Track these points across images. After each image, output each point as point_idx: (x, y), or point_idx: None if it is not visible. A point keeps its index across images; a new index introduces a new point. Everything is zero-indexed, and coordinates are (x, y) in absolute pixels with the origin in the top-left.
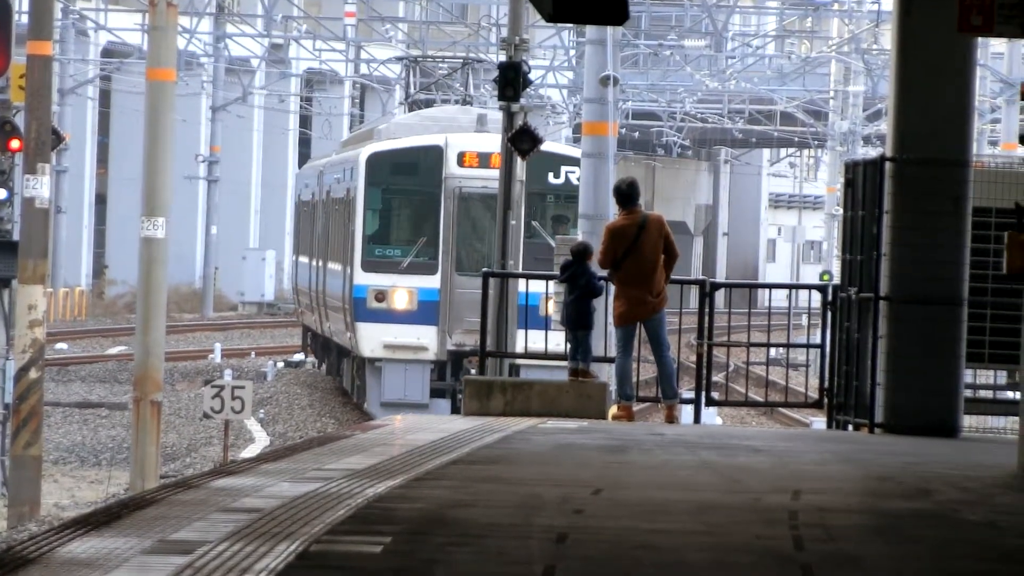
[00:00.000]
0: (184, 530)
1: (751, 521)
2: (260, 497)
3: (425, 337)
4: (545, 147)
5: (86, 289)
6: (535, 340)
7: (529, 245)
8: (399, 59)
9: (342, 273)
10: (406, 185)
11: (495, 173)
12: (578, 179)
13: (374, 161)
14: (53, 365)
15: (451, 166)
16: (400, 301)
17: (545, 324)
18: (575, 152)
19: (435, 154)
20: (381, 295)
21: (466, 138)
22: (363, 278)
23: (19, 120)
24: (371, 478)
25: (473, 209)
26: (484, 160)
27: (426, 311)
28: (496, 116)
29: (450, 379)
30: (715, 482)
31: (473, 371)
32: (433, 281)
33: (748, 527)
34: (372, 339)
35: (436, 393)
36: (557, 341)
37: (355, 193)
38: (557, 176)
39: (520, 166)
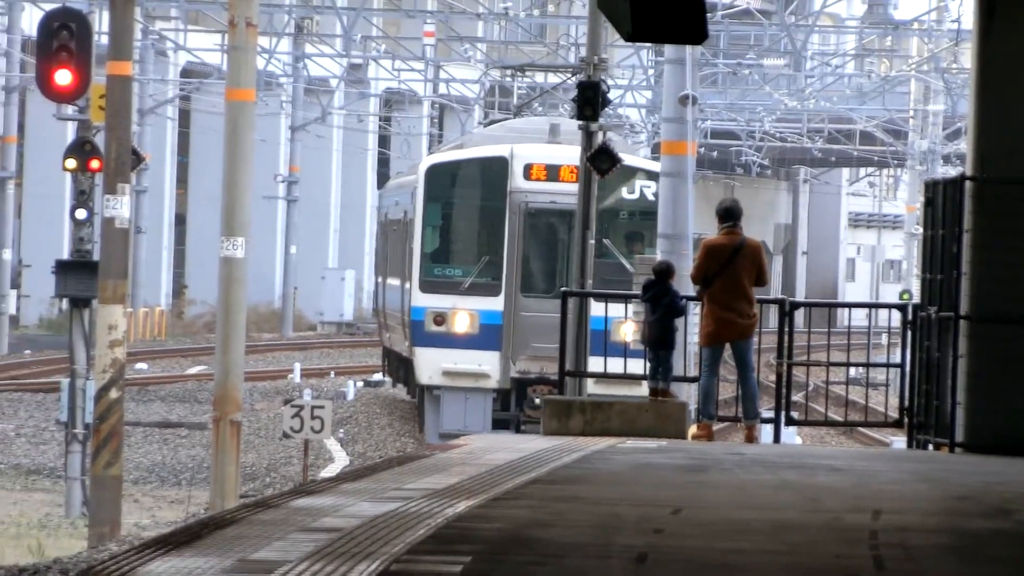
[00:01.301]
0: (264, 550)
1: (831, 541)
2: (340, 517)
3: (487, 363)
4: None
5: (166, 309)
6: (609, 367)
7: (600, 265)
8: (503, 67)
9: (401, 293)
10: (468, 199)
11: (565, 187)
12: (654, 194)
13: (434, 173)
14: (133, 385)
15: (517, 179)
16: (461, 324)
17: (624, 351)
18: (652, 165)
19: (499, 166)
20: (440, 318)
21: (534, 149)
22: (421, 299)
23: (99, 140)
24: (450, 498)
25: (540, 225)
26: (553, 173)
27: (488, 335)
28: (571, 126)
29: (514, 409)
30: (795, 502)
31: (538, 400)
32: (496, 303)
33: (828, 547)
34: (430, 365)
35: (498, 424)
36: (631, 367)
37: (414, 208)
38: (632, 191)
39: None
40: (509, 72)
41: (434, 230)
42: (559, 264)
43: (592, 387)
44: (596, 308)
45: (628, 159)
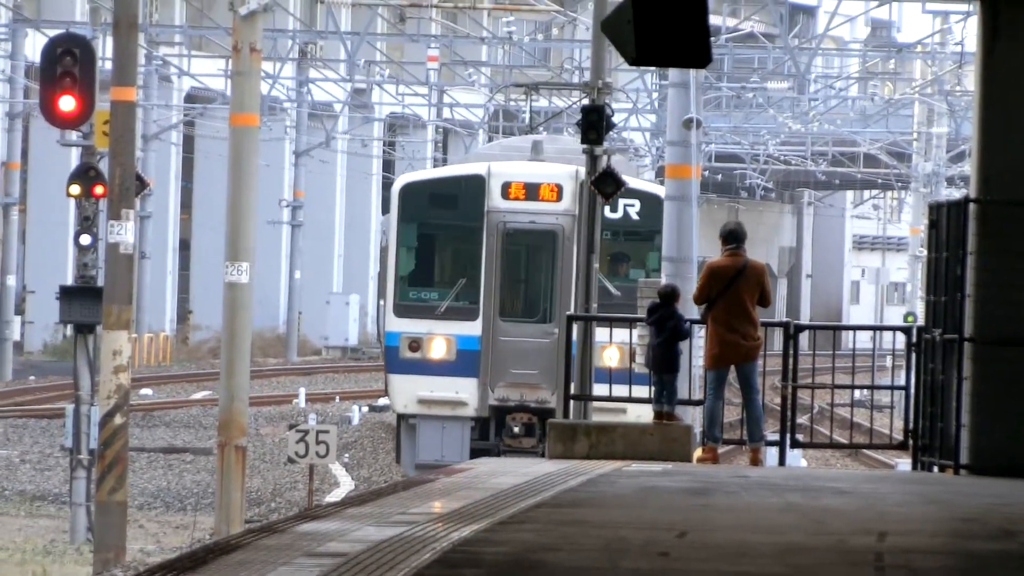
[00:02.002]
0: (269, 575)
1: (836, 563)
2: (345, 541)
3: (464, 391)
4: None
5: (170, 334)
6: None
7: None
8: (518, 86)
9: (378, 319)
10: (444, 219)
11: (545, 206)
12: (638, 213)
13: (409, 193)
14: (138, 410)
15: (495, 198)
16: (437, 350)
17: (609, 376)
18: (635, 183)
19: (476, 184)
20: (416, 343)
21: (513, 167)
22: (396, 324)
23: (103, 166)
24: (456, 522)
25: (519, 246)
26: (532, 191)
27: (466, 362)
28: (555, 143)
29: (493, 438)
30: (800, 524)
31: (516, 429)
32: (474, 328)
33: (833, 569)
34: (405, 393)
35: (477, 454)
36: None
37: (390, 229)
38: (614, 210)
39: (573, 198)
40: (522, 90)
41: (409, 251)
42: (540, 287)
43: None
44: (609, 335)
45: None
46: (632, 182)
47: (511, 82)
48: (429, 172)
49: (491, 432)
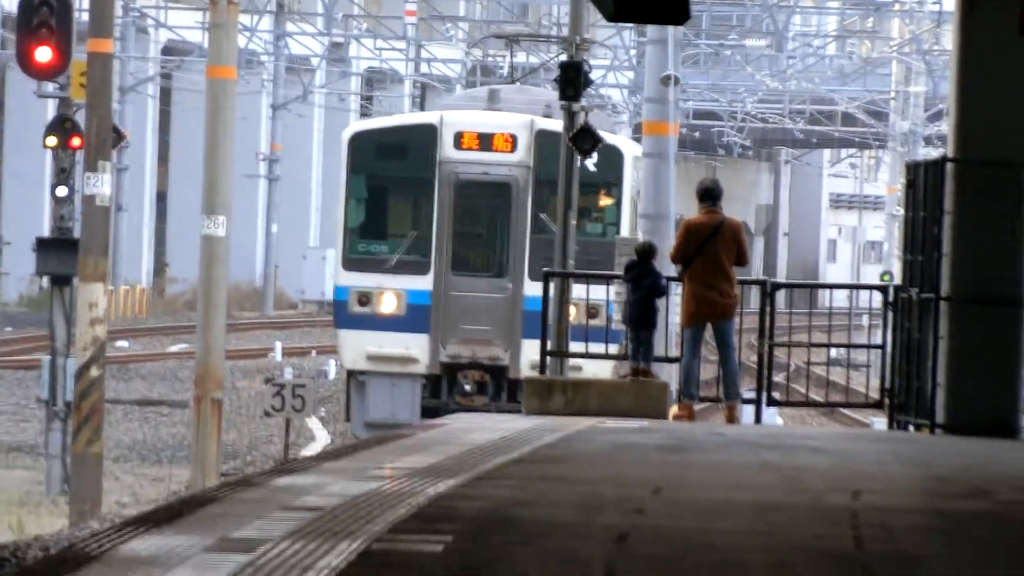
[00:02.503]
0: (245, 528)
1: (811, 521)
2: (321, 496)
3: (415, 347)
4: (555, 127)
5: (146, 287)
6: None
7: (537, 241)
8: (499, 37)
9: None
10: (395, 171)
11: (500, 157)
12: (595, 165)
13: (358, 142)
14: (114, 363)
15: (447, 148)
16: (387, 305)
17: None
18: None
19: (428, 133)
20: (365, 298)
21: (466, 116)
22: (345, 278)
23: (80, 118)
24: (432, 477)
25: (473, 199)
26: (486, 142)
27: (416, 317)
28: (513, 93)
29: (444, 396)
30: (776, 482)
31: (468, 387)
32: (425, 282)
33: (808, 527)
34: (354, 348)
35: (428, 412)
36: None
37: (339, 180)
38: None
39: (528, 149)
40: (501, 44)
41: (359, 203)
42: (493, 240)
43: (528, 372)
44: (532, 288)
45: (563, 126)
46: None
47: (491, 33)
48: (379, 121)
49: (443, 390)
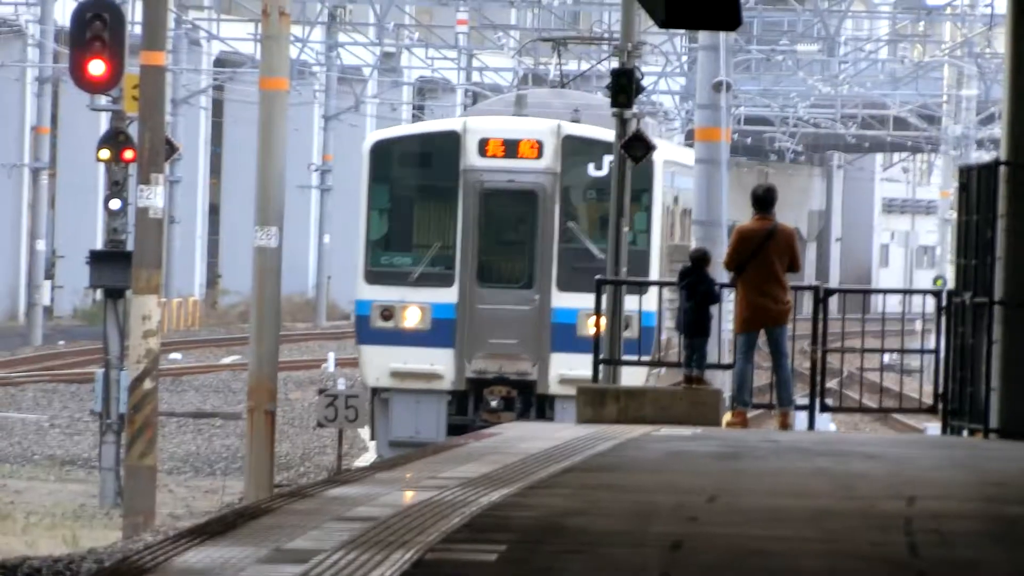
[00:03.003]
0: (299, 539)
1: (866, 527)
2: (375, 506)
3: (440, 362)
4: (583, 132)
5: (199, 299)
6: (571, 366)
7: (565, 251)
8: (546, 40)
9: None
10: (418, 180)
11: (526, 164)
12: None
13: (380, 151)
14: (167, 375)
15: (471, 156)
16: (411, 319)
17: (595, 345)
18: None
19: (451, 141)
20: (388, 312)
21: (491, 122)
22: (367, 292)
23: (132, 130)
24: (485, 486)
25: (498, 208)
26: (511, 148)
27: (441, 331)
28: (541, 97)
29: (471, 413)
30: (829, 489)
31: (494, 403)
32: (449, 295)
33: (863, 533)
34: (378, 365)
35: (453, 430)
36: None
37: (360, 190)
38: (599, 167)
39: (555, 155)
40: (550, 47)
41: (381, 215)
42: (519, 250)
43: (557, 387)
44: (561, 299)
45: (591, 131)
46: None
47: (538, 37)
48: (402, 129)
49: (469, 407)
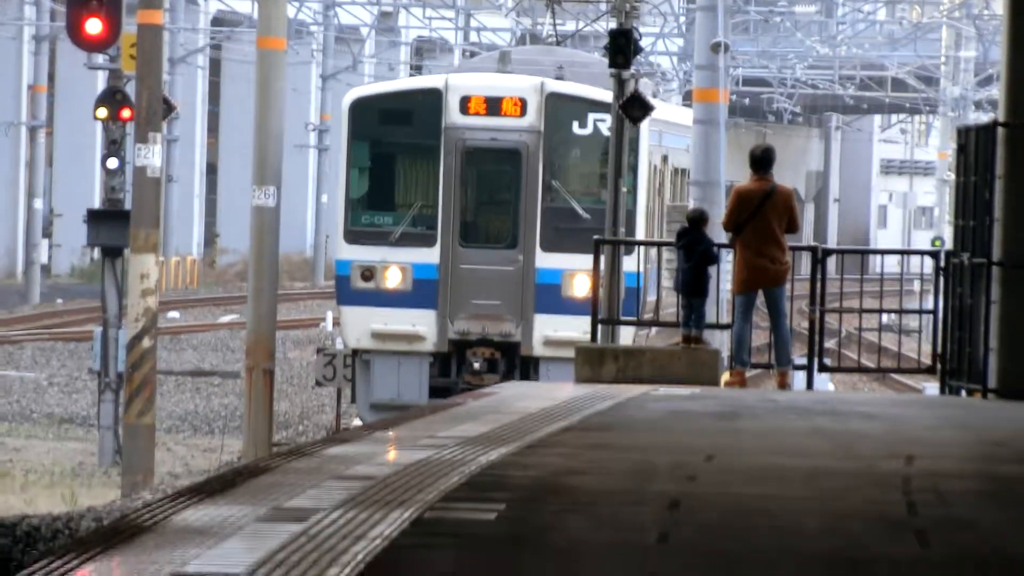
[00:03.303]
0: (298, 498)
1: (864, 487)
2: (373, 465)
3: (422, 323)
4: (567, 89)
5: (197, 258)
6: (555, 327)
7: (549, 210)
8: None
9: None
10: (399, 137)
11: (509, 122)
12: (609, 128)
13: (359, 108)
14: (165, 334)
15: (453, 113)
16: (392, 280)
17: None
18: (606, 96)
19: (432, 98)
20: (369, 272)
21: (474, 79)
22: (347, 251)
23: (130, 89)
24: (483, 445)
25: (481, 166)
26: (494, 106)
27: (423, 292)
28: (526, 54)
29: (454, 375)
30: (828, 448)
31: (477, 365)
32: (431, 255)
33: (861, 492)
34: (358, 326)
35: (436, 392)
36: (584, 329)
37: (340, 148)
38: (584, 126)
39: (539, 113)
40: (545, 3)
41: (361, 173)
42: (503, 210)
43: (541, 349)
44: (545, 260)
45: (575, 88)
46: (601, 94)
47: None
48: (382, 85)
49: (452, 368)
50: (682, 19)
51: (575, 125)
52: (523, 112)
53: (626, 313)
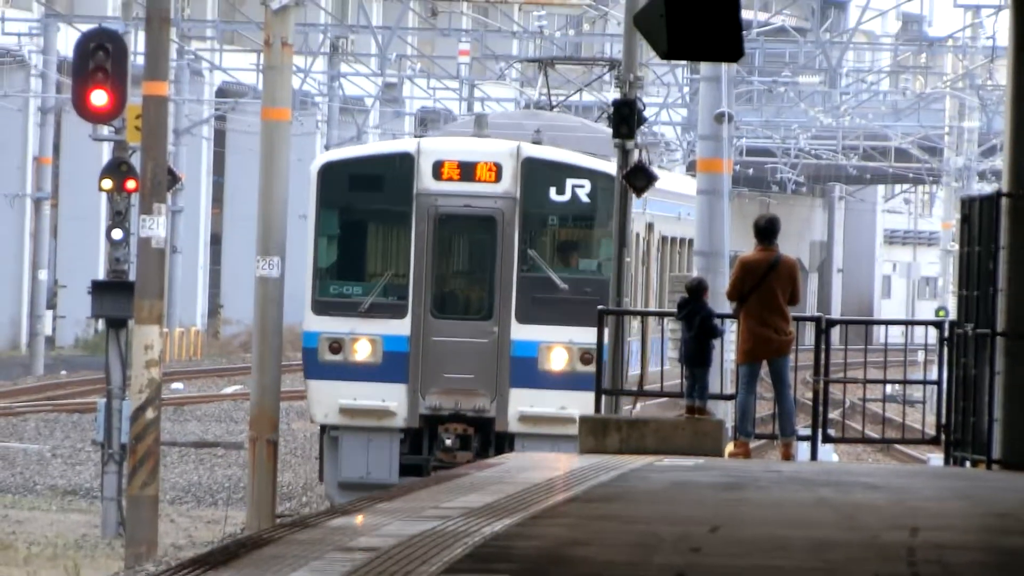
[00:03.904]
0: (301, 569)
1: (869, 558)
2: (377, 536)
3: (392, 398)
4: (544, 154)
5: (201, 329)
6: (532, 402)
7: (524, 280)
8: (532, 60)
9: None
10: (369, 204)
11: (483, 188)
12: (588, 195)
13: (328, 174)
14: (169, 405)
15: (425, 179)
16: (361, 352)
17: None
18: (585, 161)
19: (404, 163)
20: (337, 344)
21: (447, 143)
22: (315, 323)
23: (135, 160)
24: (488, 516)
25: (454, 234)
26: (468, 171)
27: (393, 365)
28: (503, 119)
29: (426, 452)
30: (832, 519)
31: (449, 441)
32: (402, 327)
33: (866, 564)
34: (325, 401)
35: (407, 471)
36: (562, 404)
37: (308, 215)
38: (561, 192)
39: (514, 178)
40: (538, 67)
41: (330, 241)
42: (477, 280)
43: (517, 425)
44: (521, 332)
45: (552, 153)
46: (580, 159)
47: (526, 58)
48: (352, 150)
49: (424, 445)
50: (686, 89)
51: (552, 191)
52: (498, 178)
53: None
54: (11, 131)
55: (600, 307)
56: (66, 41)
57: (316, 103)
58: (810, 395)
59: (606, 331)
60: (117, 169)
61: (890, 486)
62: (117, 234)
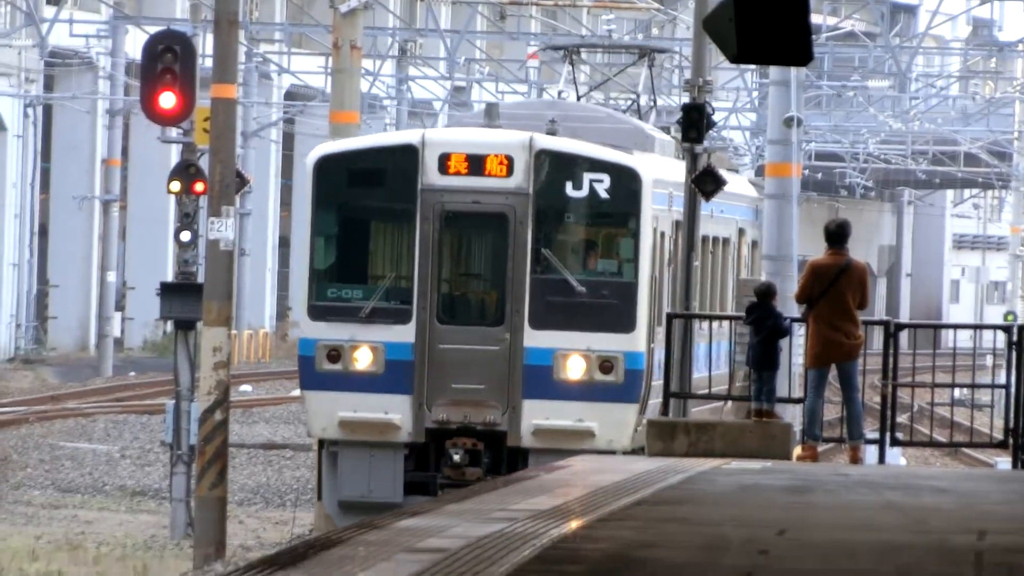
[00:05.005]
0: (369, 570)
1: (937, 562)
2: (445, 537)
3: (396, 411)
4: (559, 146)
5: (270, 331)
6: (546, 414)
7: (539, 283)
8: (556, 48)
9: None
10: (369, 200)
11: (493, 183)
12: (607, 190)
13: (326, 168)
14: (238, 407)
15: (430, 173)
16: (362, 361)
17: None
18: (603, 153)
19: (407, 156)
20: (335, 353)
21: (452, 134)
22: (311, 329)
23: (203, 163)
24: (555, 519)
25: (462, 233)
26: (476, 165)
27: (397, 375)
28: (517, 109)
29: (432, 469)
30: (900, 523)
31: (458, 457)
32: (406, 333)
33: (933, 568)
34: (324, 413)
35: (412, 488)
36: (579, 416)
37: (306, 213)
38: (578, 187)
39: (527, 172)
40: (563, 55)
41: (328, 241)
42: (486, 282)
43: (530, 440)
44: (534, 339)
45: (568, 145)
46: (598, 151)
47: (549, 45)
48: (352, 142)
49: (430, 461)
50: (755, 94)
51: (568, 186)
52: (510, 171)
53: (629, 400)
54: (80, 133)
55: (668, 311)
56: (134, 43)
57: (384, 106)
58: (878, 399)
59: (675, 335)
60: (185, 171)
61: (958, 490)
62: (185, 236)
